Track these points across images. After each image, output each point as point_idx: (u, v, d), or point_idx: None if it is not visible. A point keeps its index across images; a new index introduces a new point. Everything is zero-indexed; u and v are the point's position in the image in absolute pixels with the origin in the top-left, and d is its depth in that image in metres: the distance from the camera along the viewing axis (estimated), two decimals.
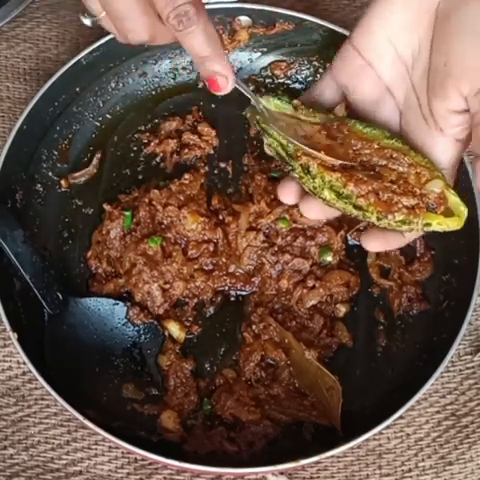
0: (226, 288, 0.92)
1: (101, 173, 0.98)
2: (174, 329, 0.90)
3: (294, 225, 0.92)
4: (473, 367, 0.90)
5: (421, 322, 0.91)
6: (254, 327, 0.90)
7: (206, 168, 0.98)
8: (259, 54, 1.03)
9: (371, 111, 0.73)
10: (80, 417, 0.80)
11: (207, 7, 0.97)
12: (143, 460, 0.86)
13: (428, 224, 0.68)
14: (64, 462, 0.85)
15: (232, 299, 0.93)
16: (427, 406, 0.88)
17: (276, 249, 0.92)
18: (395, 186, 0.68)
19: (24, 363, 0.86)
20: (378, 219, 0.68)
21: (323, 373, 0.84)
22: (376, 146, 0.70)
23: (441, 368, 0.82)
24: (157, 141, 0.99)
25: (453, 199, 0.69)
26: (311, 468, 0.85)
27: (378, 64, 0.71)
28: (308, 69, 1.02)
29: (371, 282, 0.93)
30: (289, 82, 1.03)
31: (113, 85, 1.00)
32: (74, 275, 0.93)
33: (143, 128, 1.00)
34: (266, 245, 0.92)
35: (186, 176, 0.95)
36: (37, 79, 1.03)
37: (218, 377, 0.88)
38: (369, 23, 0.71)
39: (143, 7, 0.65)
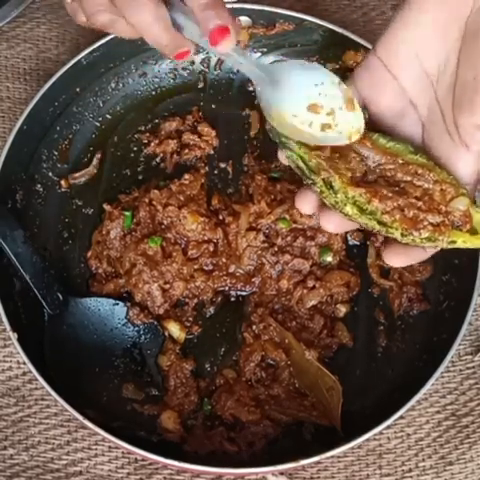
0: (226, 288, 0.92)
1: (101, 173, 0.98)
2: (174, 329, 0.90)
3: (294, 225, 0.92)
4: (473, 367, 0.90)
5: (421, 322, 0.91)
6: (254, 327, 0.90)
7: (206, 168, 0.98)
8: (259, 54, 1.02)
9: (392, 124, 0.71)
10: (80, 417, 0.80)
11: None
12: (143, 460, 0.86)
13: (453, 242, 0.67)
14: (64, 462, 0.85)
15: (232, 299, 0.93)
16: (427, 406, 0.88)
17: (276, 249, 0.92)
18: (420, 203, 0.67)
19: (24, 363, 0.86)
20: (402, 235, 0.67)
21: (323, 373, 0.84)
22: (400, 161, 0.69)
23: (441, 368, 0.82)
24: (157, 141, 0.99)
25: (478, 216, 0.68)
26: (311, 468, 0.85)
27: (402, 76, 0.69)
28: None
29: (371, 282, 0.93)
30: None
31: (113, 85, 1.00)
32: (74, 275, 0.93)
33: (143, 128, 1.00)
34: (266, 245, 0.92)
35: (186, 176, 0.95)
36: (37, 79, 1.03)
37: (218, 377, 0.88)
38: (394, 34, 0.68)
39: None
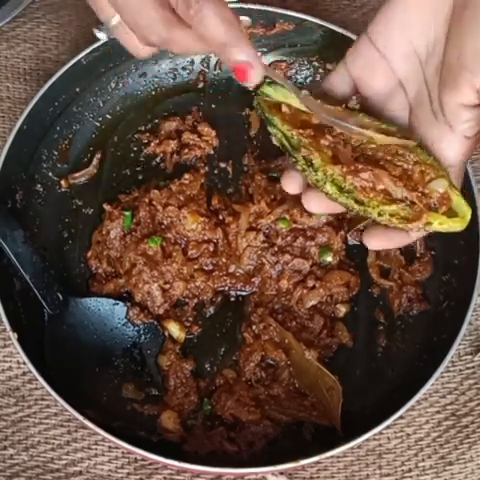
0: (226, 288, 0.92)
1: (101, 173, 0.98)
2: (174, 329, 0.90)
3: (294, 225, 0.92)
4: (473, 367, 0.90)
5: (421, 322, 0.91)
6: (254, 327, 0.90)
7: (206, 168, 0.98)
8: (259, 54, 1.02)
9: (381, 105, 0.72)
10: (80, 417, 0.80)
11: None
12: (143, 460, 0.86)
13: (429, 223, 0.67)
14: (64, 462, 0.85)
15: (232, 299, 0.93)
16: (427, 406, 0.88)
17: (276, 249, 0.92)
18: (398, 180, 0.68)
19: (24, 363, 0.85)
20: (379, 215, 0.68)
21: (323, 373, 0.84)
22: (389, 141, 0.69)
23: (441, 368, 0.82)
24: (157, 141, 0.99)
25: (457, 199, 0.68)
26: (311, 468, 0.85)
27: (392, 57, 0.70)
28: (308, 69, 1.02)
29: (371, 282, 0.93)
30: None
31: (113, 85, 1.00)
32: (74, 275, 0.93)
33: (143, 128, 1.00)
34: (266, 245, 0.92)
35: (186, 176, 0.95)
36: (37, 79, 1.03)
37: (218, 377, 0.88)
38: (385, 15, 0.70)
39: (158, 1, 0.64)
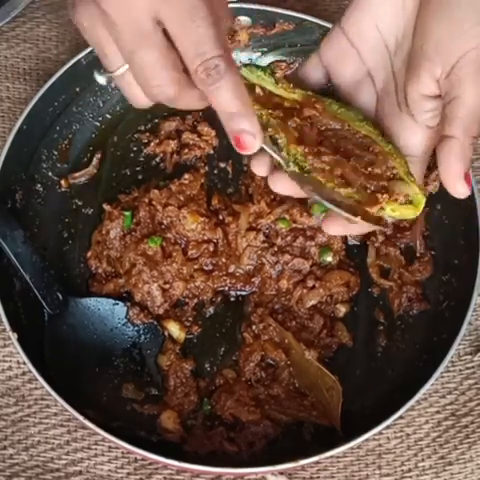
0: (226, 288, 0.92)
1: (101, 173, 0.98)
2: (174, 329, 0.90)
3: (294, 225, 0.92)
4: (473, 367, 0.90)
5: (421, 322, 0.91)
6: (254, 327, 0.90)
7: (206, 168, 0.98)
8: (259, 54, 1.03)
9: (351, 93, 0.74)
10: (80, 417, 0.80)
11: None
12: (143, 460, 0.86)
13: (382, 209, 0.67)
14: (64, 462, 0.85)
15: (232, 299, 0.93)
16: (427, 406, 0.88)
17: (276, 249, 0.92)
18: (354, 163, 0.69)
19: (24, 363, 0.85)
20: None
21: (323, 373, 0.84)
22: (347, 127, 0.71)
23: (441, 368, 0.82)
24: (157, 141, 0.99)
25: (412, 187, 0.69)
26: (311, 468, 0.85)
27: (362, 47, 0.72)
28: None
29: (371, 282, 0.93)
30: None
31: (113, 85, 1.00)
32: (74, 275, 0.93)
33: (143, 128, 1.00)
34: (266, 245, 0.92)
35: (186, 176, 0.95)
36: (37, 79, 1.03)
37: (218, 377, 0.88)
38: (357, 7, 0.71)
39: (172, 58, 0.63)
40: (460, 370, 0.90)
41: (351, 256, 0.94)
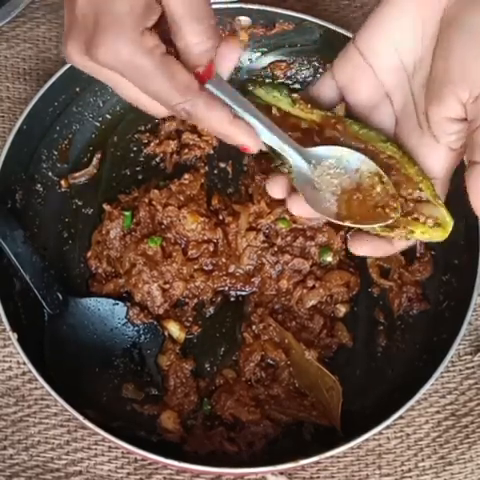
0: (226, 288, 0.92)
1: (101, 173, 0.98)
2: (174, 329, 0.90)
3: (294, 225, 0.92)
4: (473, 367, 0.90)
5: (421, 322, 0.91)
6: (254, 327, 0.90)
7: (206, 168, 0.98)
8: (259, 54, 1.03)
9: (367, 114, 0.72)
10: (80, 417, 0.80)
11: None
12: (143, 460, 0.86)
13: (411, 232, 0.67)
14: (64, 462, 0.85)
15: (232, 299, 0.93)
16: (427, 406, 0.88)
17: (276, 249, 0.92)
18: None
19: (24, 363, 0.85)
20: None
21: (323, 373, 0.84)
22: (370, 148, 0.70)
23: (441, 368, 0.82)
24: (157, 141, 0.99)
25: (440, 210, 0.68)
26: (311, 468, 0.85)
27: (379, 68, 0.70)
28: (308, 69, 1.02)
29: (371, 282, 0.93)
30: (289, 82, 1.03)
31: None
32: (74, 275, 0.93)
33: (143, 128, 1.00)
34: (266, 245, 0.92)
35: (186, 176, 0.95)
36: (37, 79, 1.03)
37: (218, 377, 0.89)
38: (373, 26, 0.70)
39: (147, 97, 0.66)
40: (460, 370, 0.90)
41: (351, 256, 0.93)
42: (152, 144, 0.99)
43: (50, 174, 0.97)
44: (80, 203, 0.96)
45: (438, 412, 0.88)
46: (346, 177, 0.70)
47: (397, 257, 0.93)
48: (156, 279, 0.90)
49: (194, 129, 1.00)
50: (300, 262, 0.91)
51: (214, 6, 0.97)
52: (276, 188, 0.73)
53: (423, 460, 0.86)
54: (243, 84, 0.72)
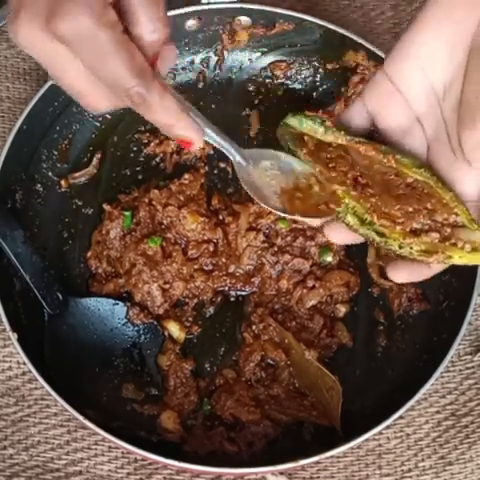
0: (226, 288, 0.92)
1: (101, 173, 0.98)
2: (174, 329, 0.90)
3: (294, 225, 0.92)
4: (473, 367, 0.90)
5: (421, 322, 0.91)
6: (254, 327, 0.90)
7: (206, 168, 0.98)
8: (259, 54, 1.03)
9: (398, 140, 0.72)
10: (80, 417, 0.80)
11: (207, 7, 0.98)
12: (143, 460, 0.86)
13: (450, 257, 0.67)
14: (64, 462, 0.85)
15: (232, 299, 0.93)
16: (427, 406, 0.88)
17: (276, 249, 0.92)
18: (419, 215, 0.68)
19: (24, 363, 0.85)
20: (400, 247, 0.68)
21: (323, 373, 0.84)
22: (405, 174, 0.70)
23: (441, 368, 0.82)
24: (157, 141, 0.99)
25: (477, 234, 0.68)
26: (311, 468, 0.85)
27: (408, 93, 0.70)
28: (308, 69, 1.02)
29: (371, 282, 0.93)
30: (289, 82, 1.03)
31: None
32: (74, 275, 0.93)
33: (143, 128, 1.00)
34: (266, 245, 0.92)
35: (186, 176, 0.95)
36: (37, 79, 1.03)
37: (218, 377, 0.89)
38: (401, 51, 0.69)
39: (95, 83, 0.65)
40: (460, 370, 0.90)
41: (351, 256, 0.94)
42: (152, 144, 0.99)
43: (50, 174, 0.97)
44: (80, 203, 0.96)
45: (438, 412, 0.88)
46: (282, 178, 0.72)
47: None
48: (156, 279, 0.90)
49: None
50: (300, 262, 0.91)
51: (214, 6, 0.98)
52: None
53: (423, 460, 0.86)
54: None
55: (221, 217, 0.93)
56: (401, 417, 0.85)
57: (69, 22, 0.60)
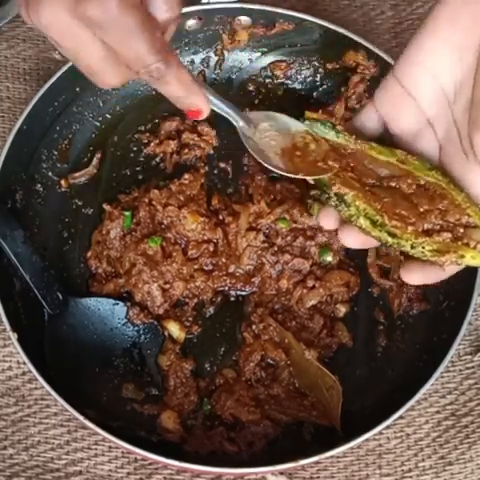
0: (226, 288, 0.92)
1: (101, 173, 0.98)
2: (174, 329, 0.90)
3: (294, 225, 0.92)
4: (473, 367, 0.90)
5: (421, 322, 0.91)
6: (254, 327, 0.90)
7: (206, 168, 0.98)
8: (259, 54, 1.03)
9: (410, 142, 0.73)
10: (80, 417, 0.80)
11: (207, 7, 0.98)
12: (143, 460, 0.86)
13: (462, 256, 0.68)
14: (64, 462, 0.85)
15: (232, 299, 0.93)
16: (427, 406, 0.88)
17: (276, 249, 0.92)
18: (429, 214, 0.69)
19: (24, 363, 0.86)
20: (412, 247, 0.68)
21: (323, 373, 0.84)
22: (417, 176, 0.71)
23: (441, 368, 0.82)
24: (157, 141, 0.99)
25: None
26: (311, 468, 0.85)
27: (419, 96, 0.71)
28: (308, 69, 1.02)
29: (371, 282, 0.93)
30: (289, 82, 1.03)
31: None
32: (74, 275, 0.93)
33: (143, 128, 1.00)
34: (266, 245, 0.92)
35: (186, 176, 0.95)
36: (37, 79, 1.03)
37: (218, 377, 0.89)
38: (412, 55, 0.70)
39: (113, 61, 0.66)
40: (460, 370, 0.90)
41: (351, 256, 0.94)
42: (152, 144, 0.99)
43: (50, 174, 0.97)
44: (80, 203, 0.96)
45: (438, 412, 0.88)
46: (281, 138, 0.74)
47: (397, 257, 0.93)
48: (156, 279, 0.90)
49: (194, 129, 1.00)
50: (300, 262, 0.91)
51: (214, 6, 0.98)
52: (328, 220, 0.74)
53: (423, 460, 0.86)
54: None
55: (221, 217, 0.93)
56: (401, 417, 0.85)
57: (98, 6, 0.62)
